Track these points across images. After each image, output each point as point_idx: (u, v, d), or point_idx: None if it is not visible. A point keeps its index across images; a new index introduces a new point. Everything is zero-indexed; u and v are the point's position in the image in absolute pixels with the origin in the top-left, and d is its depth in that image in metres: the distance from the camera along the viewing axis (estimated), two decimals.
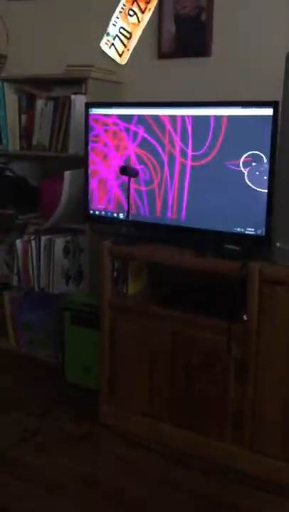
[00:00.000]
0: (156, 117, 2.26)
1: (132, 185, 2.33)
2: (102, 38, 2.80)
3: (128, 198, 2.33)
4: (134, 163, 2.33)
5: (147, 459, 2.22)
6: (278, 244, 2.00)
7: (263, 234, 2.10)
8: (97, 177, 2.45)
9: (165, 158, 2.27)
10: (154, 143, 2.28)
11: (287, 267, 1.98)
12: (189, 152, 2.20)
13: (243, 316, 2.04)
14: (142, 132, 2.30)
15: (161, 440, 2.29)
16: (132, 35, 2.74)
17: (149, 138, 2.29)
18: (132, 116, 2.32)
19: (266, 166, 2.04)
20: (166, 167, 2.27)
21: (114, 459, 2.22)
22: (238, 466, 2.14)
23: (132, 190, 2.34)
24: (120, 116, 2.35)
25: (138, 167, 2.32)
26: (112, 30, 2.77)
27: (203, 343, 2.16)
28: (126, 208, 2.35)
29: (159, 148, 2.27)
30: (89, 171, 2.47)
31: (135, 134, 2.32)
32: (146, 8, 2.68)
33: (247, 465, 2.13)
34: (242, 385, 2.10)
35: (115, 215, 2.44)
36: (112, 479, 2.09)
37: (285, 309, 1.97)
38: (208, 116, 2.14)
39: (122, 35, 2.76)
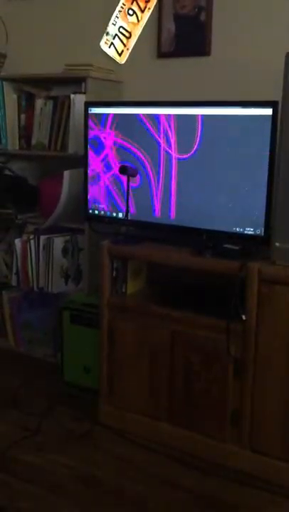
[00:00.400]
0: (154, 116, 2.26)
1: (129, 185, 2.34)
2: (101, 37, 2.80)
3: (127, 197, 2.33)
4: (130, 162, 2.34)
5: (147, 459, 2.22)
6: (277, 244, 2.00)
7: (262, 234, 2.10)
8: (96, 176, 2.45)
9: (162, 158, 2.26)
10: (149, 142, 2.28)
11: (286, 266, 1.99)
12: (187, 152, 2.20)
13: (242, 315, 2.04)
14: (138, 131, 2.31)
15: (161, 440, 2.29)
16: (132, 35, 2.74)
17: (146, 137, 2.29)
18: (131, 115, 2.32)
19: (266, 166, 2.05)
20: (163, 166, 2.27)
21: (113, 458, 2.22)
22: (238, 466, 2.14)
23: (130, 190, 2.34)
24: (119, 115, 2.35)
25: (134, 166, 2.33)
26: (112, 29, 2.76)
27: (202, 343, 2.16)
28: (124, 208, 2.35)
29: (155, 148, 2.27)
30: (88, 171, 2.47)
31: (129, 133, 2.32)
32: (145, 8, 2.68)
33: (246, 465, 2.13)
34: (241, 385, 2.10)
35: (114, 214, 2.44)
36: (111, 479, 2.10)
37: (283, 309, 1.98)
38: (206, 116, 2.14)
39: (122, 34, 2.75)
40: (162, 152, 2.26)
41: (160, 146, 2.26)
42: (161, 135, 2.25)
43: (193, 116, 2.17)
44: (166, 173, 2.27)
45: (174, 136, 2.23)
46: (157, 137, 2.26)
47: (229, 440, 2.16)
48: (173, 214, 2.29)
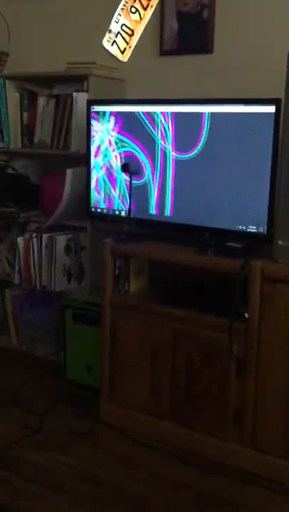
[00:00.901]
0: (158, 114, 2.25)
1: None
2: (104, 35, 2.79)
3: (130, 195, 2.33)
4: (131, 159, 2.34)
5: (148, 457, 2.21)
6: (280, 242, 1.99)
7: (265, 232, 2.09)
8: (99, 174, 2.45)
9: (166, 156, 2.26)
10: (150, 138, 2.28)
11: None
12: (190, 149, 2.20)
13: (245, 314, 2.04)
14: (142, 129, 2.30)
15: (162, 438, 2.29)
16: (134, 33, 2.74)
17: (146, 134, 2.29)
18: (133, 113, 2.32)
19: (268, 163, 2.04)
20: (166, 164, 2.27)
21: (115, 457, 2.21)
22: (240, 465, 2.13)
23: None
24: (121, 113, 2.35)
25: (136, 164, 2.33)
26: (114, 27, 2.76)
27: (204, 341, 2.15)
28: (127, 206, 2.35)
29: (158, 146, 2.27)
30: (91, 169, 2.47)
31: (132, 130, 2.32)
32: (148, 5, 2.67)
33: (248, 463, 2.12)
34: (243, 383, 2.10)
35: (117, 212, 2.44)
36: (112, 477, 2.09)
37: (286, 307, 1.97)
38: (209, 113, 2.14)
39: (124, 32, 2.75)
40: (165, 150, 2.26)
41: (163, 143, 2.26)
42: (165, 133, 2.25)
43: (197, 114, 2.16)
44: (169, 171, 2.26)
45: (178, 134, 2.22)
46: (161, 135, 2.26)
47: (231, 439, 2.15)
48: (175, 212, 2.28)
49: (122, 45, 2.77)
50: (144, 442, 2.29)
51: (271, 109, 2.01)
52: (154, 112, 2.26)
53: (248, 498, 2.00)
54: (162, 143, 2.26)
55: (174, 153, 2.24)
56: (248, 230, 2.13)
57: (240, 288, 2.01)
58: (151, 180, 2.31)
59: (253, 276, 2.01)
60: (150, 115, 2.27)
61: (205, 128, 2.16)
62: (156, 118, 2.26)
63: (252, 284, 2.01)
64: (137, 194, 2.35)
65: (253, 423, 2.10)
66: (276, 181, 2.02)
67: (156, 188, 2.30)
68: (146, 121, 2.28)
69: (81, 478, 2.08)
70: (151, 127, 2.28)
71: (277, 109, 1.99)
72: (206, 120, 2.15)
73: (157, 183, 2.30)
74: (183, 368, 2.22)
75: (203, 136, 2.16)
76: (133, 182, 2.33)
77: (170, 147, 2.24)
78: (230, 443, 2.16)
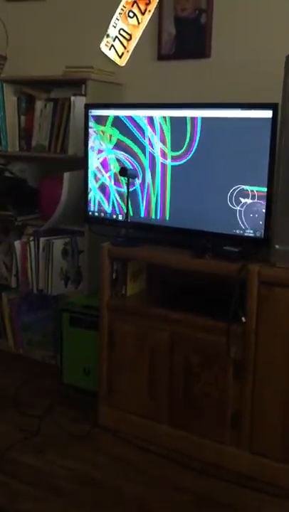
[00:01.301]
0: (153, 118, 2.27)
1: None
2: (101, 39, 2.80)
3: (127, 199, 2.34)
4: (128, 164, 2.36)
5: (146, 460, 2.22)
6: (277, 246, 2.00)
7: (262, 236, 2.10)
8: (96, 178, 2.46)
9: (160, 160, 2.27)
10: (146, 144, 2.29)
11: (286, 268, 1.99)
12: (186, 153, 2.21)
13: (242, 317, 2.05)
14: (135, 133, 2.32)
15: (160, 441, 2.29)
16: (132, 37, 2.75)
17: (138, 138, 2.30)
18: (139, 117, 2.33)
19: (265, 168, 2.05)
20: (162, 169, 2.28)
21: (113, 459, 2.22)
22: (237, 467, 2.14)
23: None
24: (117, 118, 2.36)
25: (134, 168, 2.34)
26: (112, 31, 2.77)
27: (202, 345, 2.16)
28: (125, 210, 2.36)
29: (152, 150, 2.28)
30: (88, 173, 2.48)
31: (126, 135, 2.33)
32: (146, 10, 2.69)
33: (246, 466, 2.13)
34: (241, 386, 2.10)
35: (114, 216, 2.44)
36: (110, 480, 2.09)
37: (283, 311, 1.98)
38: (206, 118, 2.15)
39: (122, 36, 2.76)
40: (160, 154, 2.27)
41: (157, 148, 2.27)
42: (159, 137, 2.26)
43: (193, 119, 2.18)
44: (165, 175, 2.27)
45: (173, 138, 2.23)
46: (155, 139, 2.27)
47: (229, 441, 2.16)
48: (173, 216, 2.30)
49: (120, 49, 2.78)
50: (142, 445, 2.30)
51: (268, 113, 2.02)
52: (152, 117, 2.28)
53: (245, 501, 2.00)
54: (161, 147, 2.27)
55: (175, 158, 2.25)
56: (246, 234, 2.14)
57: (238, 291, 2.02)
58: (138, 187, 2.34)
59: (251, 280, 2.02)
60: (148, 119, 2.29)
61: (201, 132, 2.17)
62: (153, 122, 2.27)
63: (249, 288, 2.02)
64: (136, 198, 2.36)
65: (250, 426, 2.11)
66: (273, 185, 2.03)
67: (153, 193, 2.32)
68: (146, 125, 2.30)
69: (80, 481, 2.08)
70: (149, 131, 2.29)
71: (274, 114, 2.01)
72: (202, 124, 2.16)
73: (155, 188, 2.31)
74: (181, 371, 2.22)
75: (200, 140, 2.18)
76: (120, 189, 2.34)
77: (169, 151, 2.25)
78: (228, 446, 2.16)
